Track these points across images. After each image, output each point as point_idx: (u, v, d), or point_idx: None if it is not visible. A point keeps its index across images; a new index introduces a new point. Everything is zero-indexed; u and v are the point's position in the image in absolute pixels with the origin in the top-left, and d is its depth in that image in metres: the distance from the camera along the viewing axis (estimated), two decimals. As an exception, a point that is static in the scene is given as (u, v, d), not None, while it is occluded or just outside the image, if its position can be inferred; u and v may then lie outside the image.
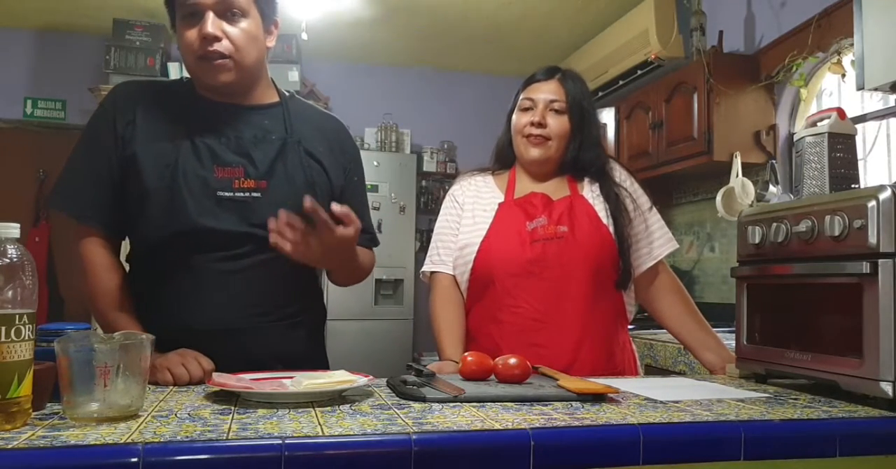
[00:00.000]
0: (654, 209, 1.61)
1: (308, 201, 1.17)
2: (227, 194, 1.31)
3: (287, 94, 1.48)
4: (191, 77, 1.39)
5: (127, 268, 1.40)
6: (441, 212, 1.66)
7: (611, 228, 1.52)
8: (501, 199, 1.59)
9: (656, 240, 1.58)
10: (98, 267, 1.33)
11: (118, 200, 1.33)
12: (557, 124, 1.56)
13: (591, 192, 1.58)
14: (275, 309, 1.36)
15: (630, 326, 2.91)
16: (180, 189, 1.29)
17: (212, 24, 1.26)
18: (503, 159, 1.67)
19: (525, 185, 1.61)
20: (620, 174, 1.62)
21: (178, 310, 1.31)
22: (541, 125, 1.55)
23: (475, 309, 1.55)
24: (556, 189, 1.59)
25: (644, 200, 1.60)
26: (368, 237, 1.50)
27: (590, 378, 1.26)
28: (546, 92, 1.57)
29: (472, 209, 1.59)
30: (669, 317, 1.59)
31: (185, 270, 1.31)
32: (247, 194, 1.32)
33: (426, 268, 1.63)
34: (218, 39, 1.27)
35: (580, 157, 1.58)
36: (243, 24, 1.30)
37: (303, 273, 1.42)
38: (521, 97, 1.60)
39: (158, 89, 1.42)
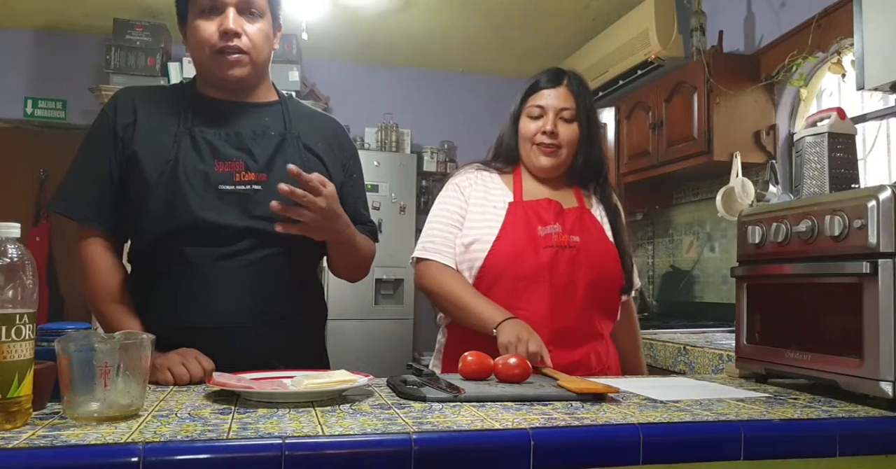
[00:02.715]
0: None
1: (292, 167, 1.18)
2: (228, 187, 1.32)
3: (286, 94, 1.50)
4: (199, 72, 1.41)
5: (129, 269, 1.41)
6: (441, 198, 1.61)
7: (615, 243, 1.59)
8: (511, 198, 1.58)
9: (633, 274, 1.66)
10: (99, 267, 1.34)
11: (119, 202, 1.34)
12: (568, 133, 1.56)
13: (599, 210, 1.63)
14: (275, 307, 1.36)
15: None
16: (181, 183, 1.30)
17: (233, 20, 1.31)
18: (507, 158, 1.64)
19: (532, 188, 1.61)
20: (617, 202, 1.69)
21: (178, 308, 1.31)
22: (553, 134, 1.55)
23: None
24: (564, 197, 1.61)
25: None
26: (368, 229, 1.51)
27: (587, 378, 1.26)
28: (555, 99, 1.56)
29: (481, 205, 1.57)
30: (617, 336, 1.69)
31: (185, 268, 1.31)
32: (248, 187, 1.33)
33: (418, 253, 1.58)
34: (238, 35, 1.32)
35: (588, 161, 1.61)
36: (259, 23, 1.35)
37: (303, 270, 1.43)
38: (528, 103, 1.59)
39: (158, 92, 1.45)
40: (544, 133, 1.55)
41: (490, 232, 1.53)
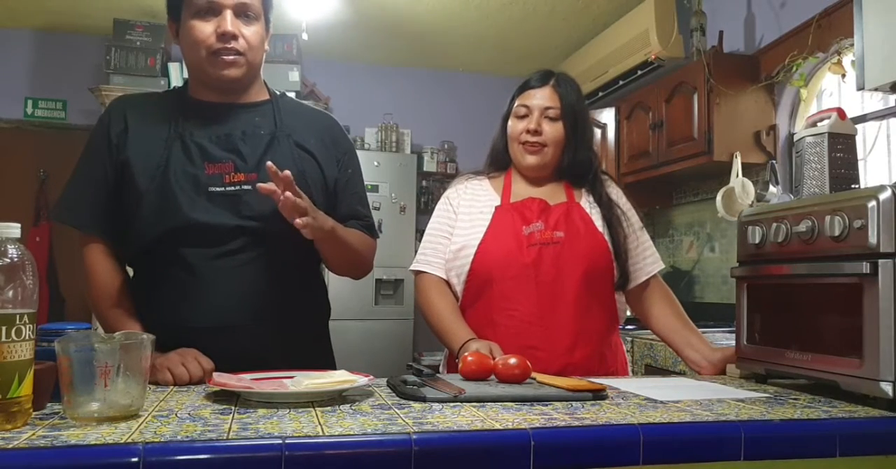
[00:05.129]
0: (644, 229, 1.66)
1: (270, 164, 1.20)
2: (218, 189, 1.33)
3: (278, 93, 1.50)
4: (191, 72, 1.42)
5: (131, 273, 1.42)
6: (434, 213, 1.67)
7: (606, 235, 1.56)
8: (498, 202, 1.59)
9: (647, 258, 1.62)
10: (99, 272, 1.36)
11: (117, 208, 1.36)
12: (553, 131, 1.57)
13: (588, 202, 1.61)
14: (272, 306, 1.36)
15: (630, 327, 2.93)
16: (172, 187, 1.31)
17: (231, 23, 1.32)
18: (498, 163, 1.68)
19: (521, 189, 1.62)
20: (616, 191, 1.67)
21: (177, 308, 1.32)
22: (537, 133, 1.56)
23: (470, 312, 1.55)
24: (552, 194, 1.60)
25: (636, 220, 1.64)
26: (364, 224, 1.49)
27: (586, 378, 1.26)
28: (541, 99, 1.58)
29: (468, 212, 1.60)
30: (657, 320, 1.62)
31: (181, 268, 1.32)
32: (237, 188, 1.34)
33: (413, 266, 1.64)
34: (235, 38, 1.33)
35: (575, 160, 1.60)
36: (255, 26, 1.36)
37: (301, 268, 1.43)
38: (515, 103, 1.61)
39: (150, 99, 1.47)
40: (528, 131, 1.56)
41: (476, 237, 1.54)
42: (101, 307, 1.35)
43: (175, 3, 1.37)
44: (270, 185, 1.20)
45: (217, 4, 1.31)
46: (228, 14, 1.32)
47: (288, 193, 1.19)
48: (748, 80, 3.06)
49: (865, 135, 2.69)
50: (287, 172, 1.20)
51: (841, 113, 1.35)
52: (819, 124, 1.37)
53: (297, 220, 1.21)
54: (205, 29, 1.32)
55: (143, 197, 1.32)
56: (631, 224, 1.61)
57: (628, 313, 1.69)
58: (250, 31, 1.35)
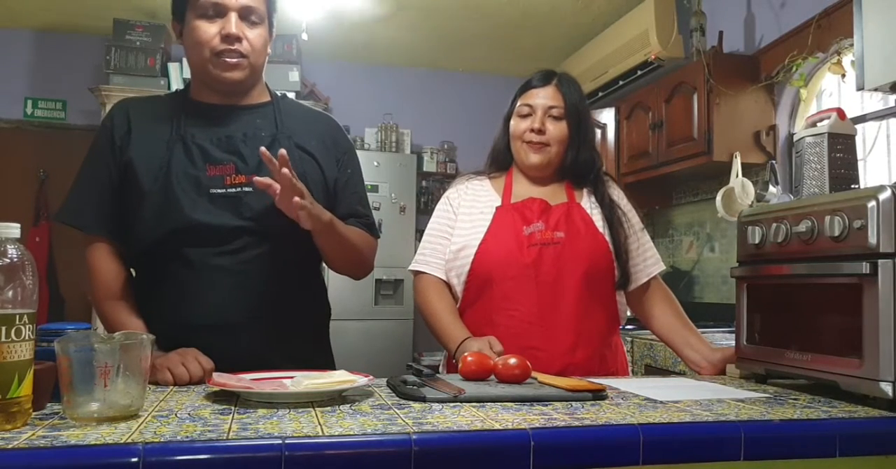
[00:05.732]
0: (645, 230, 1.66)
1: (263, 150, 1.21)
2: (219, 191, 1.34)
3: (279, 94, 1.51)
4: (194, 72, 1.42)
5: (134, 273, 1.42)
6: (434, 213, 1.67)
7: (607, 235, 1.55)
8: (498, 202, 1.59)
9: (648, 259, 1.62)
10: (103, 270, 1.36)
11: (121, 208, 1.36)
12: (556, 130, 1.57)
13: (589, 202, 1.61)
14: (273, 305, 1.36)
15: (630, 327, 2.93)
16: (174, 188, 1.32)
17: (236, 25, 1.33)
18: (499, 163, 1.68)
19: (523, 189, 1.62)
20: (618, 192, 1.67)
21: (178, 307, 1.33)
22: (540, 132, 1.57)
23: (470, 312, 1.55)
24: (553, 194, 1.60)
25: (636, 221, 1.64)
26: (364, 222, 1.48)
27: (586, 379, 1.26)
28: (544, 98, 1.58)
29: (468, 212, 1.60)
30: (657, 320, 1.62)
31: (182, 267, 1.33)
32: (238, 189, 1.34)
33: (412, 266, 1.64)
34: (239, 40, 1.34)
35: (578, 160, 1.60)
36: (259, 29, 1.37)
37: (301, 268, 1.43)
38: (518, 103, 1.62)
39: (152, 101, 1.47)
40: (532, 130, 1.57)
41: (476, 237, 1.54)
42: (104, 305, 1.36)
43: (180, 4, 1.38)
44: (267, 179, 1.20)
45: (222, 6, 1.32)
46: (233, 16, 1.32)
47: (285, 170, 1.19)
48: (748, 80, 3.06)
49: (865, 135, 2.69)
50: (282, 151, 1.19)
51: (841, 113, 1.35)
52: (819, 124, 1.37)
53: (295, 199, 1.19)
54: (209, 30, 1.33)
55: (146, 198, 1.32)
56: (632, 225, 1.61)
57: (629, 314, 1.68)
58: (254, 34, 1.36)
